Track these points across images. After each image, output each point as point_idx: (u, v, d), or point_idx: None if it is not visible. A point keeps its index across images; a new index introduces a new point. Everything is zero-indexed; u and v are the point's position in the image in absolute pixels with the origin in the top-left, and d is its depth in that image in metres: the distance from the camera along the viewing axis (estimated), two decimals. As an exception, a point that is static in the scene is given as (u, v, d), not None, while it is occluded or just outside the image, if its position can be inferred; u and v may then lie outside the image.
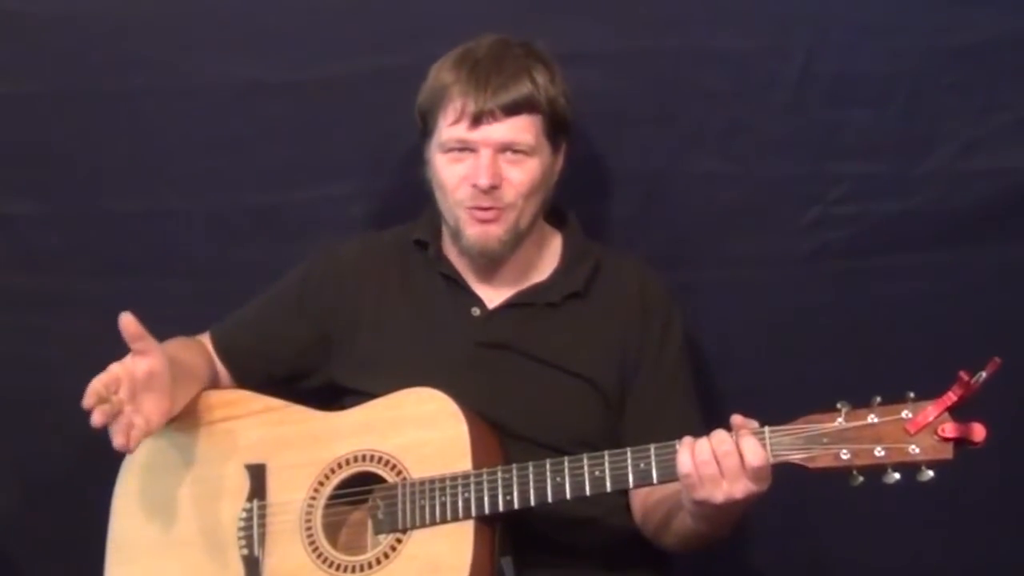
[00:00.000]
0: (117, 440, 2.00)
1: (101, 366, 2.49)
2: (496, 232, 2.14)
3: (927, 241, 2.43)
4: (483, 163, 2.11)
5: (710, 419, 2.18)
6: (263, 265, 2.39)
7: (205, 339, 2.31)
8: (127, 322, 2.03)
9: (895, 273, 2.45)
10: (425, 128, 2.19)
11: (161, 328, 2.30)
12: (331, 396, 2.24)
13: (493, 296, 2.21)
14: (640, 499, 2.14)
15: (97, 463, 2.30)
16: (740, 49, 2.42)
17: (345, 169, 2.53)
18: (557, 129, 2.17)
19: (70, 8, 2.51)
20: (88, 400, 1.98)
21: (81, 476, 2.53)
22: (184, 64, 2.51)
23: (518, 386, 2.16)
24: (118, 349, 2.52)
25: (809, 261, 2.46)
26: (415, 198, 2.35)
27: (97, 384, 2.00)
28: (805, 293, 2.47)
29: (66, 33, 2.51)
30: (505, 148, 2.12)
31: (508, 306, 2.20)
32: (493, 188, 2.11)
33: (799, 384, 2.40)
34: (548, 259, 2.25)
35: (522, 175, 2.13)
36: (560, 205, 2.27)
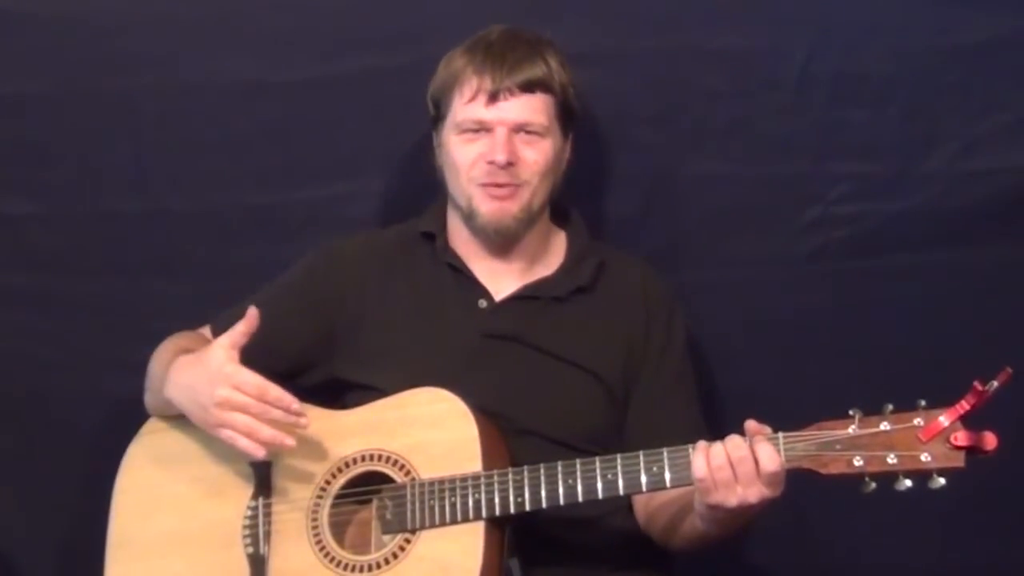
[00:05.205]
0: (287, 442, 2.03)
1: (101, 366, 2.50)
2: (511, 209, 2.16)
3: (927, 241, 2.43)
4: (499, 140, 2.13)
5: (710, 419, 2.18)
6: (263, 265, 2.38)
7: (206, 332, 2.29)
8: (254, 314, 2.06)
9: (895, 273, 2.44)
10: (438, 114, 2.21)
11: (161, 328, 2.30)
12: (330, 392, 2.23)
13: (499, 289, 2.22)
14: (643, 500, 2.14)
15: (97, 463, 2.30)
16: (740, 49, 2.43)
17: (345, 169, 2.52)
18: (567, 115, 2.20)
19: (70, 8, 2.50)
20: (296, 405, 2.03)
21: (81, 476, 2.52)
22: (184, 64, 2.51)
23: (524, 378, 2.16)
24: (118, 349, 2.53)
25: (809, 261, 2.46)
26: (415, 198, 2.35)
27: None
28: (805, 293, 2.47)
29: (66, 33, 2.51)
30: (520, 128, 2.15)
31: (514, 299, 2.21)
32: (509, 165, 2.14)
33: (799, 384, 2.40)
34: (553, 255, 2.26)
35: (536, 155, 2.16)
36: (563, 203, 2.27)
